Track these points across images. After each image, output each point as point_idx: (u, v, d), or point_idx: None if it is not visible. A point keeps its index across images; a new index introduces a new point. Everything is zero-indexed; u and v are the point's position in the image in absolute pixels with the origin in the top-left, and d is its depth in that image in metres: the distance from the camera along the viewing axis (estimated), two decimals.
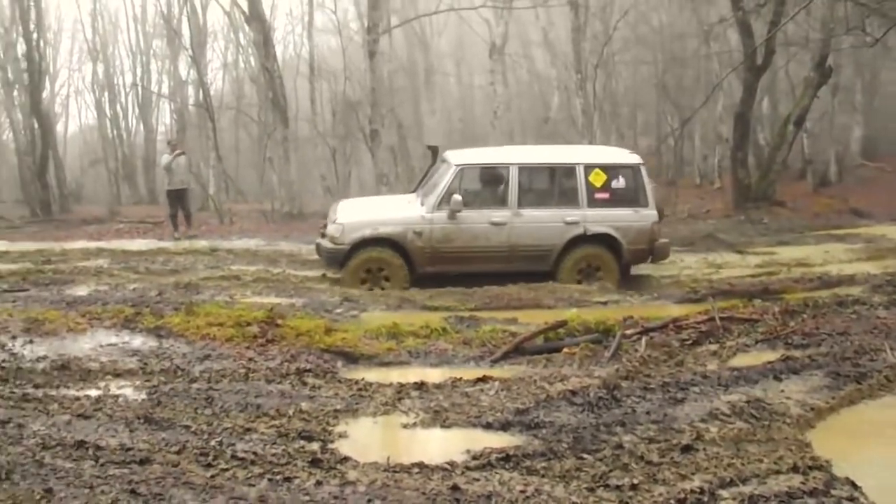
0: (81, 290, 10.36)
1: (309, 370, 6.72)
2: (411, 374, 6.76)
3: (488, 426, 5.48)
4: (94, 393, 6.21)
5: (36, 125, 28.97)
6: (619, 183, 11.51)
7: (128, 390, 6.30)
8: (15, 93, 32.91)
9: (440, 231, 11.22)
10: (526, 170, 11.61)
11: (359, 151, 26.35)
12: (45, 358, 7.15)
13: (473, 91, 35.71)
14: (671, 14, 28.91)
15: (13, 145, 35.02)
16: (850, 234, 15.54)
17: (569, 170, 11.55)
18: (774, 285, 10.66)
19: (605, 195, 11.45)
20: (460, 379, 6.48)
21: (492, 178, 11.82)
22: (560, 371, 6.76)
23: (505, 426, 5.48)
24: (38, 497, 4.22)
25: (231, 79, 38.31)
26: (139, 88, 38.41)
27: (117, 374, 6.70)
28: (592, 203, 11.38)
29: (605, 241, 11.43)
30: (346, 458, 4.85)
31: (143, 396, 6.12)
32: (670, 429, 5.35)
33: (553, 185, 11.73)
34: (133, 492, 4.31)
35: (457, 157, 12.10)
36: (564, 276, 11.27)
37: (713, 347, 7.50)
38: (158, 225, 19.62)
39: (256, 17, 18.85)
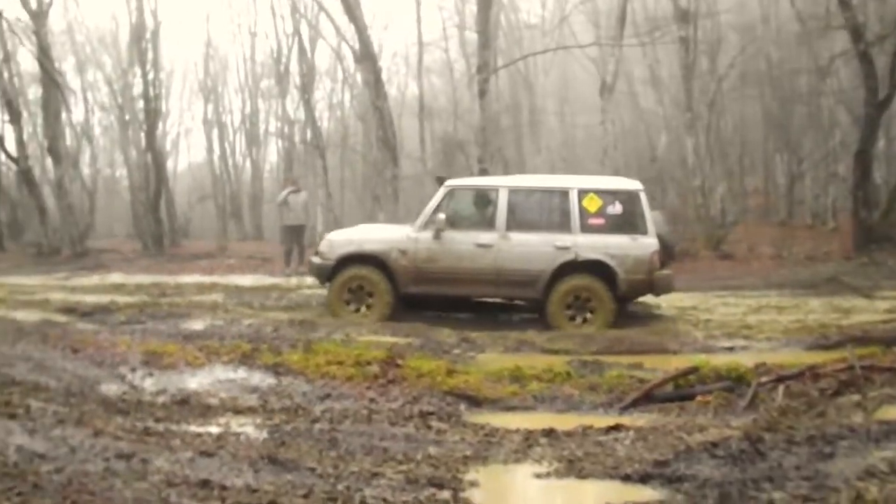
0: (197, 325, 10.43)
1: (432, 413, 6.50)
2: (538, 420, 6.46)
3: (626, 478, 5.15)
4: (215, 430, 6.10)
5: (150, 162, 29.85)
6: (616, 209, 11.03)
7: (249, 428, 6.18)
8: (130, 131, 34.12)
9: (425, 251, 11.12)
10: (516, 192, 11.30)
11: None
12: (164, 391, 7.13)
13: (576, 130, 35.39)
14: (783, 50, 28.17)
15: (127, 182, 36.24)
16: None
17: (561, 194, 11.16)
18: None
19: (600, 221, 10.97)
20: (591, 426, 6.16)
21: (481, 200, 11.63)
22: (695, 420, 6.40)
23: (644, 478, 5.14)
24: None
25: (336, 118, 38.82)
26: (247, 126, 39.28)
27: (237, 412, 6.61)
28: (586, 229, 10.93)
29: (598, 270, 10.85)
30: None
31: (265, 435, 5.99)
32: (824, 486, 4.92)
33: (544, 209, 11.37)
34: None
35: (451, 181, 12.11)
36: (554, 306, 10.82)
37: (855, 398, 6.99)
38: (267, 261, 19.83)
39: (367, 57, 19.00)
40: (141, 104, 30.65)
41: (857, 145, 20.20)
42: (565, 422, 6.41)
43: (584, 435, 5.99)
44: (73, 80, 35.49)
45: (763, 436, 5.80)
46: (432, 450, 5.60)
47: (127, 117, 34.36)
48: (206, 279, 15.58)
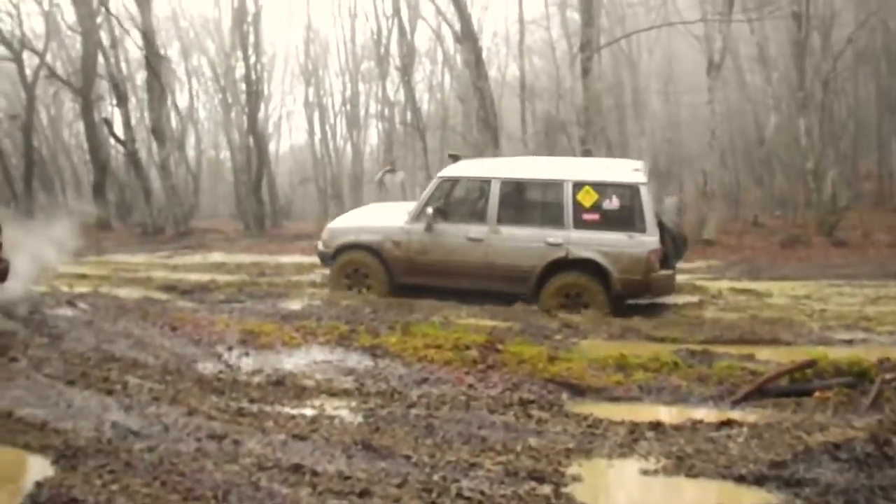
0: (295, 305, 10.37)
1: (533, 401, 6.22)
2: (644, 412, 6.13)
3: (741, 479, 4.81)
4: (309, 412, 5.98)
5: (252, 144, 30.24)
6: (612, 204, 10.38)
7: (344, 412, 6.04)
8: (233, 114, 34.64)
9: (417, 242, 11.04)
10: (508, 184, 10.95)
11: None
12: (260, 371, 7.05)
13: (680, 110, 34.34)
14: None
15: (230, 164, 36.85)
16: None
17: (555, 186, 10.65)
18: None
19: (595, 216, 10.36)
20: (701, 421, 5.81)
21: (474, 191, 11.43)
22: (814, 418, 5.96)
23: (760, 480, 4.79)
24: None
25: (436, 99, 38.65)
26: (348, 109, 39.46)
27: (332, 394, 6.47)
28: (579, 224, 10.38)
29: (591, 268, 10.31)
30: None
31: (360, 419, 5.83)
32: None
33: (538, 202, 10.95)
34: None
35: (446, 169, 11.96)
36: (545, 304, 10.32)
37: None
38: None
39: (469, 36, 18.70)
40: (243, 87, 31.05)
41: None
42: (673, 415, 6.11)
43: (694, 430, 5.65)
44: (177, 64, 36.11)
45: (891, 438, 5.35)
46: (533, 440, 5.35)
47: (230, 100, 34.92)
48: (306, 260, 15.48)
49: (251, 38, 30.68)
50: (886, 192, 28.92)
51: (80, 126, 32.45)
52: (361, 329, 8.32)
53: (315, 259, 13.59)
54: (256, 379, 6.81)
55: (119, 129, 27.88)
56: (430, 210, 10.96)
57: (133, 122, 29.48)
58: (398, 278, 11.19)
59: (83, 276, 12.99)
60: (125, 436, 5.34)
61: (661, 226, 10.52)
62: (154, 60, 24.29)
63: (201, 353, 7.70)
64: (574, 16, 30.51)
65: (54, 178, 34.30)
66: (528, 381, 6.70)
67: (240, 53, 31.35)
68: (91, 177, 30.31)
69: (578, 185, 10.45)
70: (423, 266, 11.02)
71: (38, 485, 4.47)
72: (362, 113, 40.01)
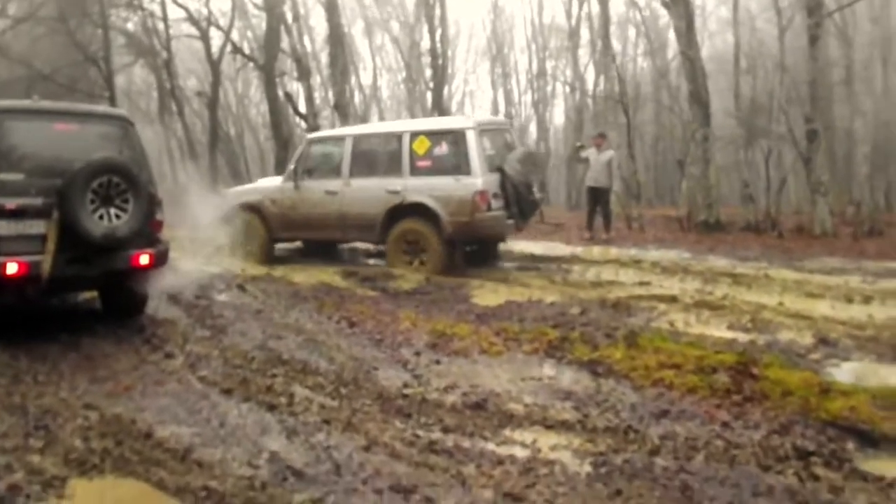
0: (491, 300, 8.99)
1: (812, 453, 4.62)
2: None
3: None
4: (520, 453, 4.61)
5: None
6: (442, 150, 10.96)
7: (565, 454, 4.62)
8: (417, 91, 33.96)
9: (288, 199, 12.02)
10: (360, 139, 11.75)
11: (778, 157, 23.24)
12: (454, 388, 5.75)
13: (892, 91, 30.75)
14: None
15: None
16: None
17: (396, 138, 11.37)
18: None
19: (428, 163, 11.00)
20: None
21: (333, 149, 12.02)
22: None
23: None
24: None
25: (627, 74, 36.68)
26: (534, 86, 38.09)
27: (548, 426, 5.06)
28: (415, 172, 11.06)
29: (426, 214, 10.83)
30: None
31: (588, 468, 4.42)
32: None
33: (383, 154, 11.50)
34: None
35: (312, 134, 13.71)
36: (390, 250, 11.16)
37: None
38: (560, 226, 18.15)
39: (680, 1, 16.77)
40: (427, 62, 30.29)
41: None
42: None
43: None
44: (361, 43, 35.71)
45: None
46: None
47: (413, 77, 34.30)
48: None
49: (436, 10, 29.90)
50: None
51: (266, 104, 32.53)
52: (575, 336, 6.83)
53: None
54: (451, 398, 5.51)
55: (302, 105, 27.56)
56: (291, 166, 12.14)
57: (317, 99, 29.15)
58: (275, 233, 12.26)
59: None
60: (284, 477, 4.17)
61: (503, 173, 10.80)
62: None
63: (383, 358, 6.52)
64: None
65: (239, 155, 34.64)
66: (799, 421, 5.01)
67: (424, 27, 30.58)
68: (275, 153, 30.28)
69: (414, 135, 11.17)
70: (294, 221, 12.00)
71: None
72: (549, 89, 38.63)
